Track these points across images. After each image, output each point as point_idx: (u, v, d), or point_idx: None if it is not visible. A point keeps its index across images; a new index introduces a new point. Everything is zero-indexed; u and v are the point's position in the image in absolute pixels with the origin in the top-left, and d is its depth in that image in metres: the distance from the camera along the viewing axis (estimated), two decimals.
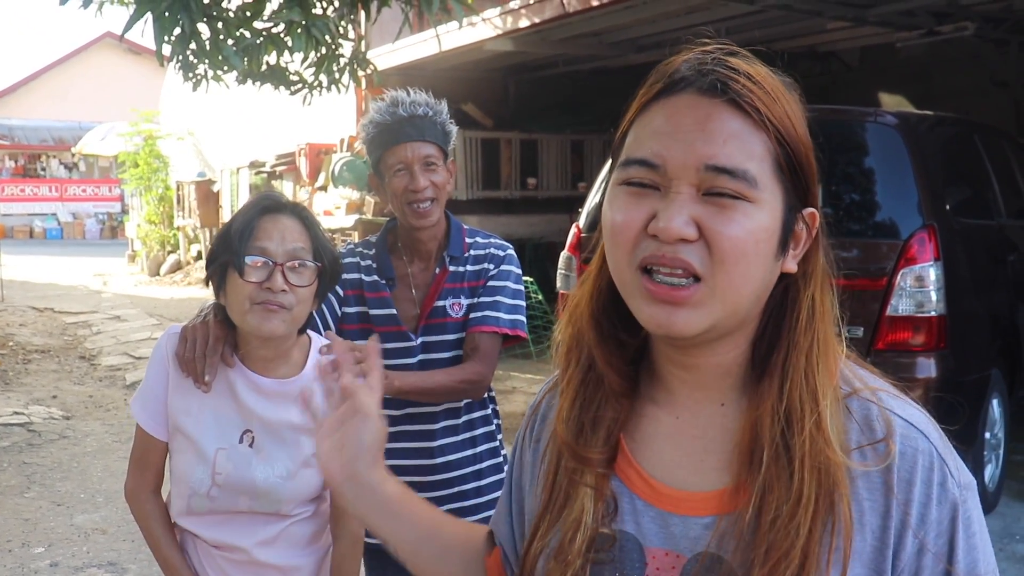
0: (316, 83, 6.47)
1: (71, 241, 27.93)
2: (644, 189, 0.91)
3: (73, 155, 27.90)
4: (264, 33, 5.70)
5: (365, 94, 10.37)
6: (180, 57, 5.60)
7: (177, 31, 5.02)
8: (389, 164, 2.20)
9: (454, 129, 2.29)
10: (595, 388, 1.00)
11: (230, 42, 5.51)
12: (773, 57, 0.96)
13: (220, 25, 5.51)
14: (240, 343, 1.84)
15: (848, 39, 8.97)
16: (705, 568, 0.91)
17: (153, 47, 5.11)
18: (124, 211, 24.23)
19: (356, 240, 9.46)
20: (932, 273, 4.23)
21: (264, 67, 6.29)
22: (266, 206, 1.80)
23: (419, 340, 2.23)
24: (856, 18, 7.37)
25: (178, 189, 15.99)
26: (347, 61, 6.47)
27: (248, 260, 1.73)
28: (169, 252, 16.77)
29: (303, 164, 11.40)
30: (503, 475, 1.16)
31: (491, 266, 2.27)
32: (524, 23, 7.94)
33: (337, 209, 10.24)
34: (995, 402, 4.78)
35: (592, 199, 5.88)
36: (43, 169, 30.63)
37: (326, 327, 2.18)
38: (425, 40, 8.76)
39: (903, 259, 4.26)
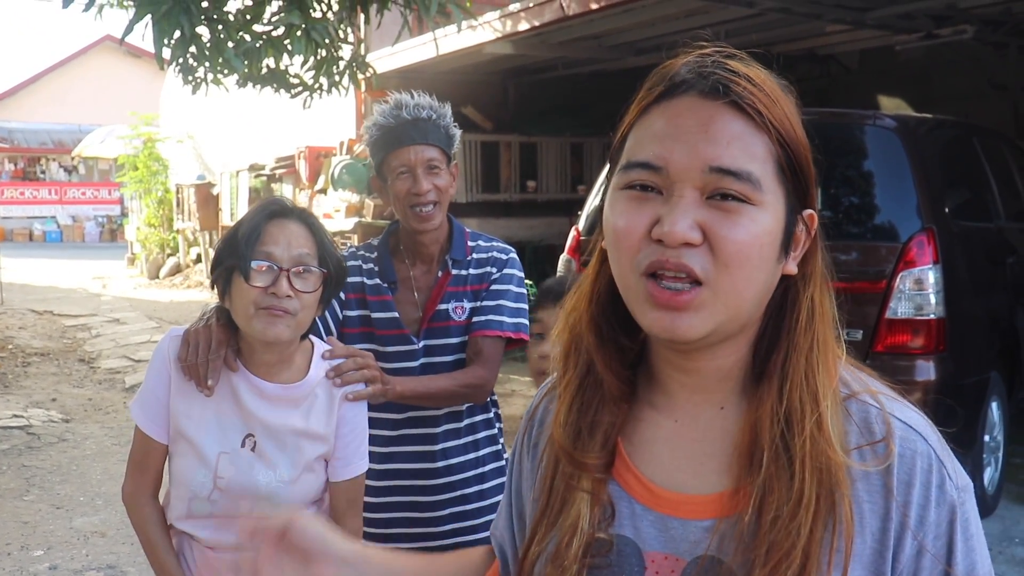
0: (316, 86, 6.47)
1: (70, 244, 27.92)
2: (646, 193, 0.91)
3: (73, 158, 27.89)
4: (264, 36, 5.71)
5: (364, 97, 10.38)
6: (180, 60, 5.61)
7: (177, 34, 5.02)
8: (392, 167, 2.20)
9: (457, 132, 2.28)
10: (593, 392, 1.00)
11: (230, 45, 5.51)
12: (770, 60, 0.96)
13: (220, 28, 5.52)
14: (243, 347, 1.84)
15: (847, 42, 8.98)
16: (705, 571, 0.90)
17: (153, 50, 5.11)
18: (124, 214, 24.22)
19: (356, 243, 9.46)
20: (931, 276, 4.23)
21: (264, 70, 6.29)
22: (273, 211, 1.81)
23: (421, 343, 2.23)
24: (855, 21, 7.38)
25: (178, 192, 15.99)
26: (347, 64, 6.47)
27: (254, 265, 1.73)
28: (168, 255, 16.76)
29: (303, 167, 11.40)
30: (505, 478, 1.16)
31: (494, 270, 2.27)
32: (523, 26, 7.95)
33: (336, 212, 10.24)
34: (994, 405, 4.78)
35: (591, 202, 5.89)
36: (43, 172, 30.62)
37: (327, 331, 2.17)
38: (424, 43, 8.77)
39: (902, 262, 4.26)
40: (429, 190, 2.18)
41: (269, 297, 1.73)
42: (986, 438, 4.69)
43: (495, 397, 2.37)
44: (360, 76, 6.73)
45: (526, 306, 2.30)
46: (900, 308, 4.25)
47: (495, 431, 2.36)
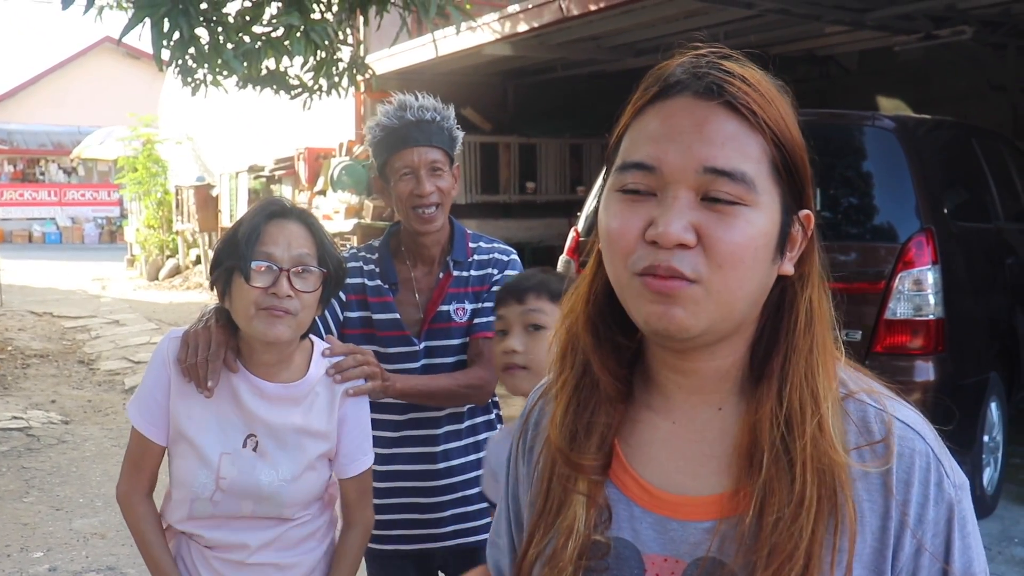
0: (315, 88, 6.48)
1: (70, 245, 27.92)
2: (640, 196, 0.91)
3: (72, 159, 27.89)
4: (263, 38, 5.71)
5: (364, 99, 10.39)
6: (179, 62, 5.61)
7: (176, 36, 5.02)
8: (395, 168, 2.20)
9: (460, 135, 2.29)
10: (589, 393, 1.00)
11: (229, 46, 5.51)
12: (766, 60, 0.96)
13: (219, 30, 5.52)
14: (243, 348, 1.84)
15: (846, 43, 8.99)
16: (706, 573, 0.90)
17: (152, 52, 5.11)
18: (123, 215, 24.23)
19: (355, 244, 9.46)
20: (930, 276, 4.23)
21: (263, 72, 6.29)
22: (273, 212, 1.81)
23: (422, 345, 2.23)
24: (854, 22, 7.38)
25: (177, 193, 15.99)
26: (346, 66, 6.48)
27: (254, 265, 1.74)
28: (168, 256, 16.76)
29: (302, 168, 11.41)
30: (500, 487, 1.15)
31: (495, 271, 2.27)
32: (523, 27, 7.95)
33: (336, 213, 10.24)
34: (993, 405, 4.78)
35: (590, 203, 5.89)
36: (42, 174, 30.62)
37: (328, 332, 2.17)
38: (424, 45, 8.77)
39: (901, 262, 4.26)
40: (432, 192, 2.18)
41: (270, 297, 1.73)
42: (985, 438, 4.69)
43: (496, 398, 2.37)
44: (359, 77, 6.74)
45: None
46: (899, 309, 4.26)
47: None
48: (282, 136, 12.11)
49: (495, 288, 2.24)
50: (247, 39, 5.63)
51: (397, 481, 2.25)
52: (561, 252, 5.83)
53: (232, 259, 1.77)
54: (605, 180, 0.97)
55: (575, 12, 7.26)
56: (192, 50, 5.38)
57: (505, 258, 2.30)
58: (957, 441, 4.43)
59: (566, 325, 1.04)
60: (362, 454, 1.94)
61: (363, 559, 2.12)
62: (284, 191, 11.89)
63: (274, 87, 6.60)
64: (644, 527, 0.95)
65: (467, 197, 10.06)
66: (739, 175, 0.88)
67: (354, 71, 6.55)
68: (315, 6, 6.03)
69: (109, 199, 29.27)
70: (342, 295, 2.24)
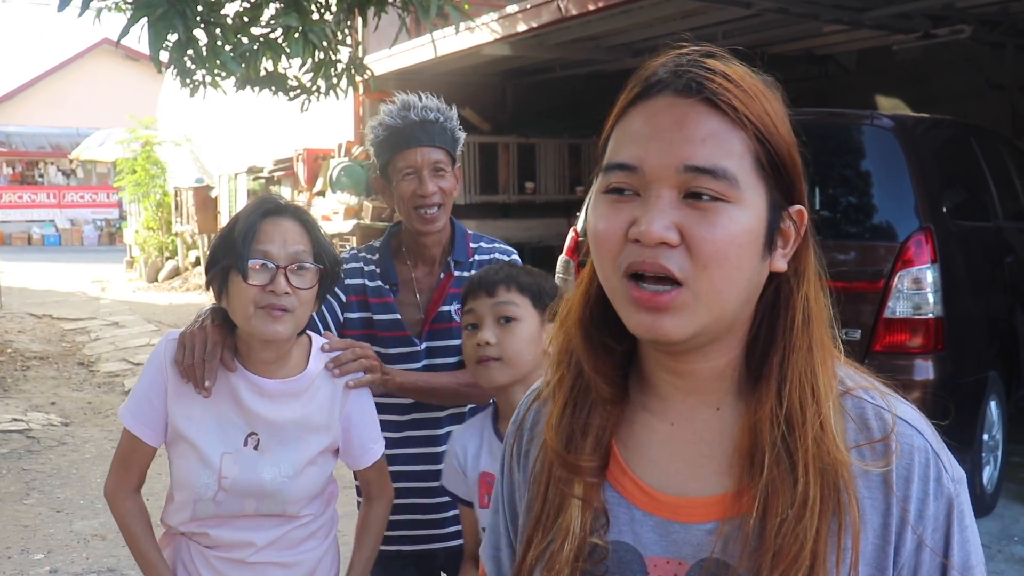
0: (314, 89, 6.47)
1: (69, 247, 27.92)
2: (624, 196, 0.91)
3: (71, 161, 27.91)
4: (261, 39, 5.71)
5: (363, 99, 10.39)
6: (177, 63, 5.61)
7: (174, 37, 5.02)
8: (398, 168, 2.20)
9: (463, 135, 2.29)
10: (585, 395, 0.99)
11: (227, 48, 5.51)
12: (753, 58, 0.96)
13: (217, 31, 5.52)
14: (240, 346, 1.85)
15: (845, 42, 9.00)
16: (711, 574, 0.90)
17: (150, 53, 5.11)
18: (122, 217, 24.22)
19: (354, 245, 9.45)
20: (929, 275, 4.24)
21: (262, 73, 6.29)
22: (267, 209, 1.81)
23: (423, 345, 2.23)
24: (852, 21, 7.39)
25: (176, 195, 15.99)
26: (344, 67, 6.47)
27: (251, 263, 1.74)
28: (167, 258, 16.76)
29: (301, 169, 11.41)
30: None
31: None
32: (521, 27, 7.96)
33: (335, 214, 10.24)
34: (993, 404, 4.78)
35: (589, 203, 5.88)
36: (41, 176, 30.62)
37: (328, 331, 2.18)
38: (422, 45, 8.78)
39: (900, 261, 4.27)
40: (434, 192, 2.18)
41: (267, 295, 1.73)
42: (985, 437, 4.69)
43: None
44: (358, 78, 6.74)
45: None
46: (898, 307, 4.26)
47: None
48: (281, 137, 12.12)
49: None
50: (245, 40, 5.63)
51: (399, 482, 2.24)
52: (560, 252, 5.83)
53: (228, 258, 1.77)
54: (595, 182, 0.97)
55: (574, 12, 7.27)
56: (190, 51, 5.38)
57: (506, 258, 2.30)
58: (957, 440, 4.40)
59: (561, 328, 1.03)
60: (372, 443, 1.96)
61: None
62: (283, 192, 11.89)
63: (272, 88, 6.60)
64: (645, 530, 0.95)
65: (466, 197, 10.07)
66: (720, 172, 0.87)
67: (352, 72, 6.55)
68: (313, 7, 6.03)
69: (108, 201, 29.28)
70: (342, 296, 2.24)
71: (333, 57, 6.26)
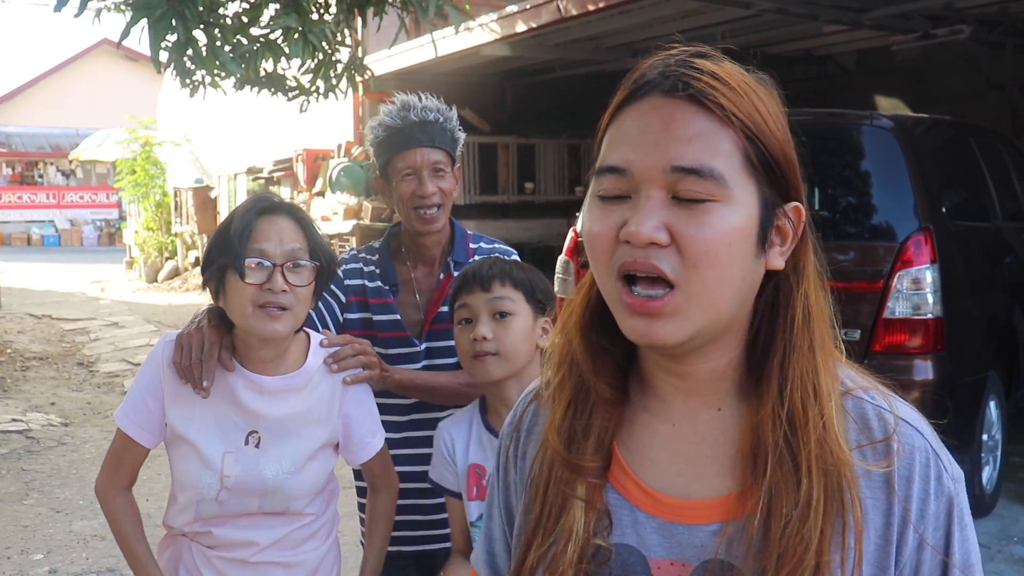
0: (313, 89, 6.47)
1: (69, 248, 27.91)
2: (616, 199, 0.91)
3: (70, 162, 27.91)
4: (261, 39, 5.71)
5: (362, 100, 10.39)
6: (177, 64, 5.61)
7: (173, 38, 5.02)
8: (398, 168, 2.20)
9: (462, 136, 2.29)
10: (586, 397, 0.99)
11: (227, 49, 5.51)
12: (744, 57, 0.96)
13: (217, 32, 5.52)
14: (238, 345, 1.85)
15: (844, 42, 9.00)
16: (715, 575, 0.90)
17: (150, 54, 5.11)
18: (122, 218, 24.23)
19: (354, 246, 9.46)
20: (928, 275, 4.24)
21: (261, 73, 6.29)
22: (263, 208, 1.81)
23: (423, 346, 2.23)
24: (852, 22, 7.39)
25: (175, 195, 16.00)
26: (344, 67, 6.47)
27: (247, 262, 1.74)
28: (167, 258, 16.76)
29: (300, 170, 11.41)
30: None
31: None
32: (521, 28, 7.96)
33: (335, 215, 10.25)
34: (992, 404, 4.79)
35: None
36: (40, 176, 30.62)
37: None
38: (422, 45, 8.78)
39: (899, 261, 4.27)
40: (434, 193, 2.18)
41: (265, 293, 1.74)
42: (984, 437, 4.70)
43: None
44: (358, 79, 6.74)
45: None
46: (898, 308, 4.26)
47: None
48: (280, 137, 12.12)
49: None
50: (245, 41, 5.63)
51: (399, 482, 2.25)
52: (560, 252, 5.83)
53: (225, 257, 1.77)
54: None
55: (573, 12, 7.27)
56: (190, 52, 5.38)
57: (506, 258, 2.30)
58: (956, 440, 4.41)
59: (562, 329, 1.04)
60: (371, 437, 1.97)
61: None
62: (283, 192, 11.89)
63: (271, 89, 6.60)
64: (649, 532, 0.94)
65: (466, 198, 10.07)
66: (707, 171, 0.87)
67: (352, 72, 6.55)
68: (313, 7, 6.03)
69: (108, 201, 29.28)
70: (342, 296, 2.25)
71: (333, 58, 6.26)
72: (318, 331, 2.08)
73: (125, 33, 4.93)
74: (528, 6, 7.76)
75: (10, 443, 6.26)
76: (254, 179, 12.66)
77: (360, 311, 2.26)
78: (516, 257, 2.32)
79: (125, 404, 1.88)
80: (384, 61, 9.32)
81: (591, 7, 7.12)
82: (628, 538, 0.95)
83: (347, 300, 2.25)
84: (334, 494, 2.01)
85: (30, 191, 29.87)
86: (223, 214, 13.68)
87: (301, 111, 6.69)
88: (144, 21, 4.81)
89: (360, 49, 7.26)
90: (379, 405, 2.05)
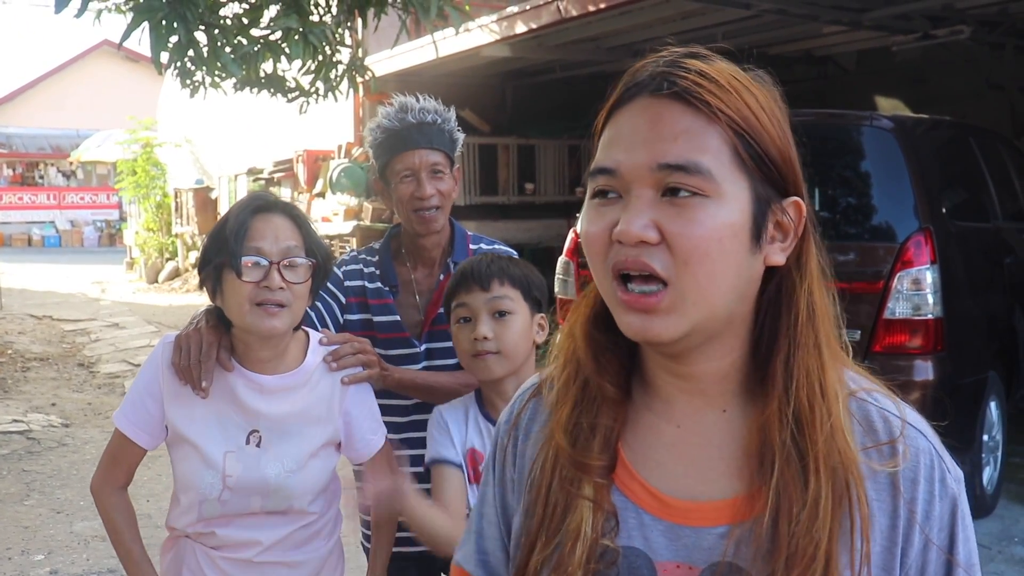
0: (312, 91, 6.48)
1: (69, 249, 27.91)
2: (609, 199, 0.92)
3: (71, 163, 27.91)
4: (261, 40, 5.71)
5: (363, 100, 10.39)
6: (177, 64, 5.61)
7: (174, 39, 5.02)
8: (396, 170, 2.20)
9: (461, 137, 2.29)
10: (592, 396, 0.99)
11: (227, 50, 5.51)
12: (739, 56, 0.96)
13: (217, 33, 5.52)
14: (237, 345, 1.85)
15: (844, 43, 9.00)
16: None
17: (151, 55, 5.11)
18: (122, 218, 24.24)
19: (354, 247, 9.46)
20: (929, 276, 4.24)
21: (261, 75, 6.30)
22: (258, 206, 1.82)
23: (423, 347, 2.23)
24: (852, 22, 7.39)
25: (176, 196, 16.01)
26: (345, 68, 6.48)
27: (244, 260, 1.75)
28: (167, 259, 16.77)
29: (301, 171, 11.41)
30: (479, 497, 1.11)
31: None
32: (521, 28, 7.96)
33: (335, 216, 10.25)
34: (993, 404, 4.79)
35: None
36: (41, 177, 30.63)
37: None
38: (422, 46, 8.78)
39: (900, 262, 4.27)
40: (433, 195, 2.18)
41: (262, 291, 1.74)
42: (985, 438, 4.70)
43: None
44: (358, 79, 6.74)
45: None
46: (898, 308, 4.26)
47: None
48: (281, 138, 12.12)
49: None
50: (245, 42, 5.63)
51: None
52: (560, 253, 5.83)
53: (221, 256, 1.78)
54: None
55: (574, 13, 7.27)
56: (191, 53, 5.38)
57: (502, 255, 2.30)
58: (957, 440, 4.41)
59: (568, 329, 1.04)
60: (372, 434, 1.97)
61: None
62: (283, 193, 11.90)
63: (271, 90, 6.60)
64: (655, 535, 0.94)
65: (466, 199, 10.07)
66: (692, 167, 0.87)
67: (353, 73, 6.55)
68: (313, 8, 6.03)
69: (108, 202, 29.28)
70: (342, 297, 2.25)
71: (333, 59, 6.27)
72: (318, 331, 2.08)
73: (126, 35, 4.93)
74: (528, 7, 7.76)
75: (11, 444, 6.26)
76: (254, 180, 12.66)
77: (360, 312, 2.26)
78: (516, 258, 2.33)
79: (124, 405, 1.88)
80: (385, 62, 9.33)
81: (591, 8, 7.12)
82: (634, 541, 0.94)
83: (347, 301, 2.26)
84: (336, 494, 2.01)
85: (31, 192, 29.87)
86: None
87: (301, 112, 6.70)
88: (145, 23, 4.81)
89: (360, 50, 7.26)
90: (379, 406, 2.05)
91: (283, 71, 6.48)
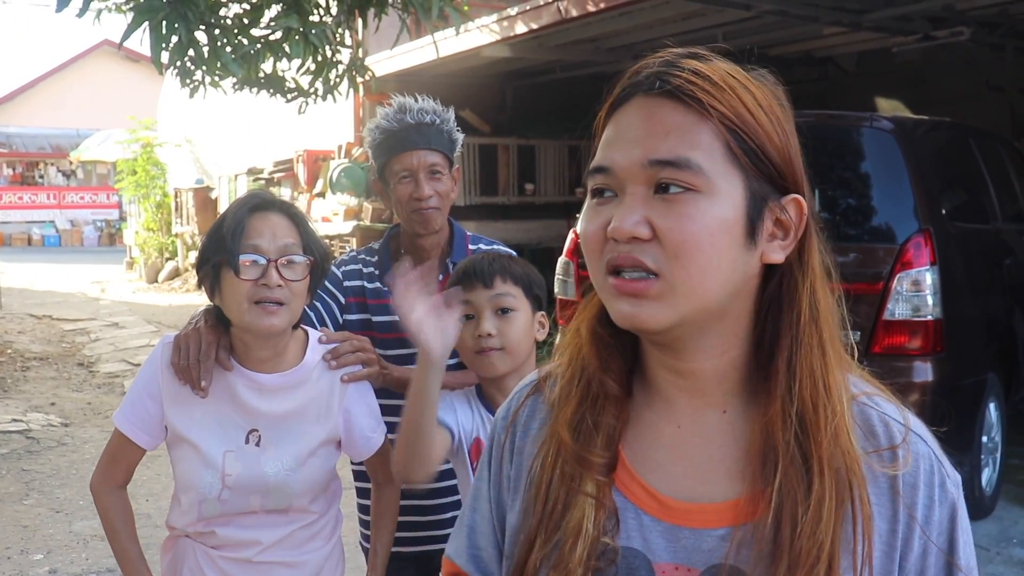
0: (312, 91, 6.48)
1: (69, 248, 27.92)
2: (606, 198, 0.93)
3: (71, 162, 27.91)
4: (262, 40, 5.71)
5: (363, 101, 10.40)
6: (178, 64, 5.61)
7: (174, 39, 5.02)
8: (395, 171, 2.20)
9: (460, 137, 2.29)
10: (596, 394, 0.99)
11: (228, 50, 5.51)
12: (740, 57, 0.97)
13: (218, 33, 5.52)
14: (236, 345, 1.86)
15: (845, 44, 9.00)
16: None
17: (151, 55, 5.11)
18: (122, 218, 24.23)
19: (354, 247, 9.46)
20: (928, 277, 4.24)
21: (261, 75, 6.30)
22: (255, 204, 1.82)
23: None
24: (852, 23, 7.39)
25: (176, 196, 16.00)
26: (345, 68, 6.48)
27: (242, 259, 1.75)
28: (167, 259, 16.77)
29: (301, 171, 11.41)
30: (472, 494, 1.11)
31: None
32: (521, 29, 7.96)
33: (335, 215, 10.25)
34: (992, 406, 4.79)
35: None
36: (41, 176, 30.63)
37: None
38: (423, 47, 8.78)
39: (899, 263, 4.27)
40: (431, 195, 2.18)
41: (260, 289, 1.75)
42: (984, 439, 4.70)
43: None
44: (359, 80, 6.74)
45: None
46: (897, 309, 4.26)
47: None
48: (281, 138, 12.12)
49: None
50: (246, 42, 5.63)
51: None
52: (560, 254, 5.83)
53: (219, 254, 1.78)
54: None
55: (574, 14, 7.27)
56: (191, 52, 5.38)
57: (502, 253, 2.30)
58: (956, 441, 4.43)
59: (574, 326, 1.04)
60: (373, 432, 1.97)
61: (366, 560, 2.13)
62: (283, 193, 11.90)
63: (270, 90, 6.60)
64: (654, 536, 0.94)
65: (466, 199, 10.07)
66: (682, 163, 0.88)
67: (353, 73, 6.55)
68: (314, 9, 6.03)
69: (108, 202, 29.28)
70: (341, 297, 2.25)
71: (333, 59, 6.26)
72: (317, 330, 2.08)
73: (126, 35, 4.93)
74: (529, 8, 7.77)
75: (10, 443, 6.26)
76: (254, 180, 12.66)
77: (359, 312, 2.26)
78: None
79: (123, 405, 1.89)
80: (385, 62, 9.33)
81: (591, 8, 7.13)
82: (634, 542, 0.94)
83: (346, 301, 2.26)
84: (337, 494, 2.01)
85: (31, 191, 29.87)
86: None
87: (299, 113, 6.70)
88: (146, 23, 4.81)
89: (361, 50, 7.27)
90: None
91: (282, 71, 6.48)
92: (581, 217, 0.97)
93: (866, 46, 8.80)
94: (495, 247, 2.34)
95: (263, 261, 1.76)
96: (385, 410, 2.13)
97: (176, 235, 16.22)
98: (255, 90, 6.61)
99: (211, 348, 1.83)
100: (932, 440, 0.94)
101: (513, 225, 10.29)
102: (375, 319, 2.24)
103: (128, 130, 17.21)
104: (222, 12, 5.79)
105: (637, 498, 0.96)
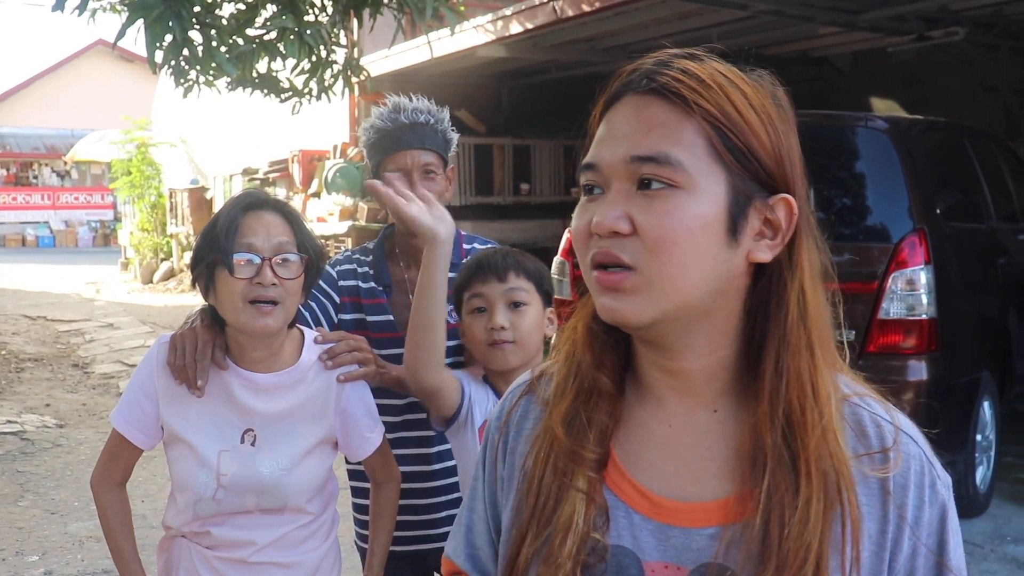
0: (306, 91, 6.47)
1: (64, 249, 27.86)
2: (595, 195, 0.94)
3: (65, 163, 27.86)
4: (257, 40, 5.71)
5: (358, 101, 10.39)
6: (172, 63, 5.61)
7: (169, 38, 5.02)
8: (388, 170, 2.20)
9: (455, 137, 2.29)
10: (590, 392, 1.00)
11: (223, 49, 5.51)
12: (735, 57, 0.97)
13: (213, 32, 5.52)
14: (232, 344, 1.85)
15: (840, 44, 9.02)
16: None
17: (145, 54, 5.10)
18: (117, 219, 24.18)
19: (349, 247, 9.45)
20: (923, 276, 4.25)
21: (255, 75, 6.29)
22: (249, 203, 1.82)
23: None
24: (847, 23, 7.41)
25: (171, 196, 15.98)
26: (340, 68, 6.48)
27: (236, 258, 1.75)
28: (162, 259, 16.73)
29: (296, 171, 11.41)
30: (469, 493, 1.12)
31: None
32: (517, 29, 7.96)
33: (330, 216, 10.25)
34: (986, 404, 4.80)
35: None
36: (35, 177, 30.56)
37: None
38: (418, 47, 8.78)
39: (894, 263, 4.28)
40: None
41: (255, 288, 1.74)
42: (978, 437, 4.71)
43: None
44: (354, 80, 6.74)
45: None
46: (892, 308, 4.27)
47: None
48: (276, 138, 12.11)
49: None
50: (241, 42, 5.63)
51: None
52: (555, 254, 5.83)
53: (213, 253, 1.77)
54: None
55: (569, 13, 7.28)
56: (186, 52, 5.38)
57: (514, 249, 2.31)
58: (950, 440, 4.45)
59: (571, 324, 1.05)
60: (370, 432, 1.97)
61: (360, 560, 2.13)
62: (278, 193, 11.89)
63: (264, 90, 6.60)
64: (644, 534, 0.94)
65: (461, 199, 10.08)
66: (663, 158, 0.88)
67: (348, 73, 6.55)
68: (309, 8, 6.03)
69: (103, 202, 29.23)
70: (336, 297, 2.25)
71: (328, 59, 6.26)
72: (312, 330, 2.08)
73: (121, 34, 4.93)
74: (524, 7, 7.77)
75: (5, 445, 6.25)
76: (250, 180, 12.65)
77: (354, 312, 2.26)
78: None
79: (120, 405, 1.89)
80: (380, 62, 9.33)
81: (587, 8, 7.13)
82: (624, 540, 0.94)
83: (341, 301, 2.26)
84: (333, 495, 2.01)
85: (25, 192, 29.81)
86: None
87: (293, 113, 6.70)
88: (140, 22, 4.80)
89: (356, 50, 7.26)
90: None
91: (276, 71, 6.47)
92: (574, 215, 0.98)
93: (861, 46, 8.83)
94: (490, 247, 2.34)
95: (257, 260, 1.76)
96: (382, 410, 2.13)
97: (171, 235, 16.20)
98: (249, 90, 6.61)
99: (207, 347, 1.83)
100: (923, 441, 0.94)
101: (508, 225, 10.30)
102: (369, 319, 2.24)
103: (123, 130, 17.18)
104: (217, 11, 5.78)
105: (628, 497, 0.96)
